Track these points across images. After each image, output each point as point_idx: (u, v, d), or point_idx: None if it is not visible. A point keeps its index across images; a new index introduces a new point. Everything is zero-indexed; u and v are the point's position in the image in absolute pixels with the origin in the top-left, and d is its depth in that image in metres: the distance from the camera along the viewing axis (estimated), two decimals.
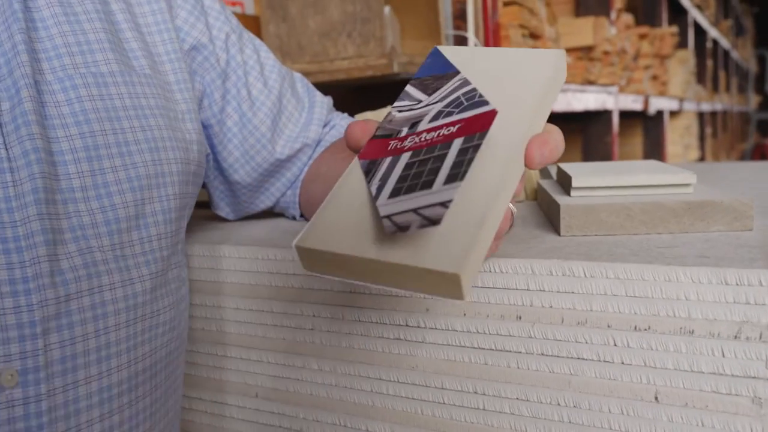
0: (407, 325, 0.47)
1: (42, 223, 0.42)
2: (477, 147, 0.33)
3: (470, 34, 1.30)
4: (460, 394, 0.46)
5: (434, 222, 0.30)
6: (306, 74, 1.14)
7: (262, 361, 0.54)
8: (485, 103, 0.36)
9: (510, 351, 0.44)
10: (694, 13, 4.20)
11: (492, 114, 0.35)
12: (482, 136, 0.34)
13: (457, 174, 0.32)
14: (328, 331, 0.50)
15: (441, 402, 0.46)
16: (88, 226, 0.44)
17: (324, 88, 0.89)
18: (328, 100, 0.65)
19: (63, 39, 0.46)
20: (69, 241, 0.43)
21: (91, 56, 0.47)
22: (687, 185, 0.51)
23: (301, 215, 0.65)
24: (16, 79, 0.43)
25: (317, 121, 0.62)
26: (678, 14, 3.82)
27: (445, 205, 0.31)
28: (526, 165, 0.36)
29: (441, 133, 0.35)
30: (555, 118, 2.11)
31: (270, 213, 0.69)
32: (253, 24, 1.24)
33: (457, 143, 0.34)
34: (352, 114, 0.72)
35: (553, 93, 0.39)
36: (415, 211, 0.31)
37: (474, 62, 0.40)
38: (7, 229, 0.41)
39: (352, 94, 1.36)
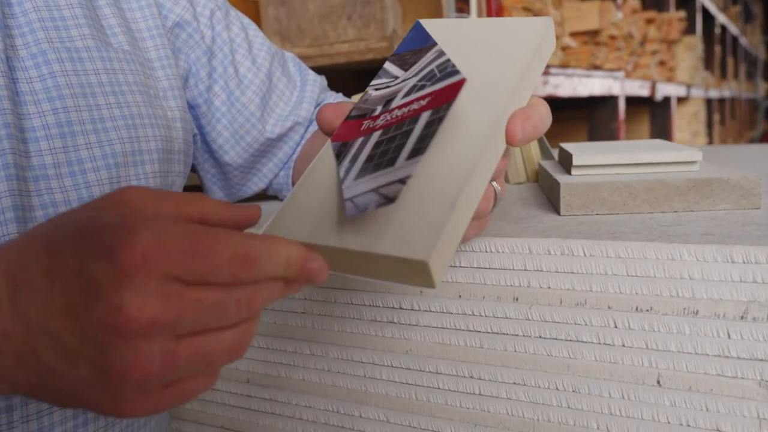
0: (401, 308, 0.45)
1: (13, 200, 0.40)
2: (442, 119, 0.31)
3: (473, 17, 1.28)
4: (455, 379, 0.44)
5: (390, 200, 0.28)
6: (306, 58, 1.12)
7: (253, 346, 0.52)
8: (456, 72, 0.34)
9: (507, 334, 0.42)
10: None
11: (460, 83, 0.33)
12: (448, 107, 0.32)
13: (420, 148, 0.30)
14: (319, 315, 0.49)
15: (436, 387, 0.45)
16: (60, 203, 0.43)
17: (324, 71, 0.87)
18: (321, 79, 0.64)
19: (37, 14, 0.45)
20: (40, 219, 0.42)
21: (66, 32, 0.45)
22: (692, 162, 0.49)
23: None
24: None
25: (309, 100, 0.61)
26: (686, 0, 3.78)
27: (402, 181, 0.29)
28: (507, 142, 0.34)
29: (411, 108, 0.33)
30: (560, 103, 2.08)
31: (263, 196, 0.68)
32: (252, 8, 1.23)
33: (425, 117, 0.32)
34: (351, 96, 0.71)
35: (540, 63, 0.37)
36: (375, 190, 0.29)
37: (458, 34, 0.38)
38: None
39: (353, 79, 1.34)
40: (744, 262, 0.36)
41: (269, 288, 0.28)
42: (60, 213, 0.29)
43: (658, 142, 0.58)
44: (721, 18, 5.08)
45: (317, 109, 0.63)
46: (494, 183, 0.37)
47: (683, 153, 0.49)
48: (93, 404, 0.27)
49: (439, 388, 0.45)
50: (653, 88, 2.65)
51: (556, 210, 0.49)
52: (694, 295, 0.37)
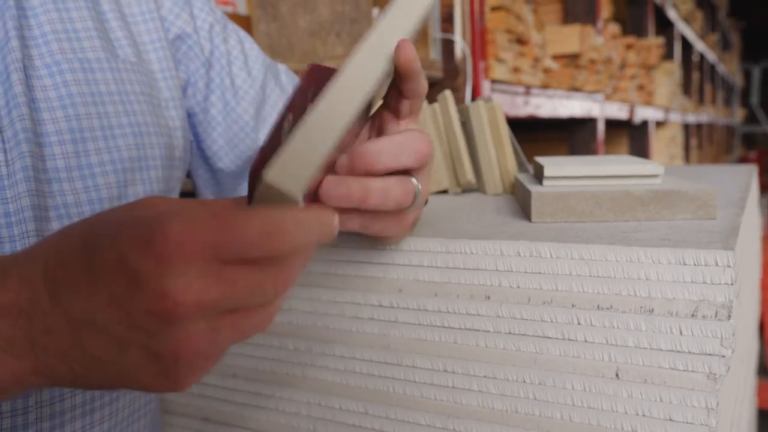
0: (380, 306, 0.48)
1: (31, 200, 0.43)
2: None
3: (457, 38, 1.32)
4: (430, 373, 0.47)
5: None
6: (295, 72, 1.15)
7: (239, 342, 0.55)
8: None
9: (479, 330, 0.45)
10: (681, 26, 4.25)
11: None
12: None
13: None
14: (304, 312, 0.51)
15: (412, 380, 0.48)
16: (71, 204, 0.45)
17: None
18: None
19: (51, 26, 0.47)
20: (53, 219, 0.45)
21: (78, 43, 0.48)
22: (655, 176, 0.53)
23: None
24: (7, 64, 0.44)
25: None
26: (665, 26, 3.87)
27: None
28: (396, 59, 0.35)
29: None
30: (541, 123, 2.13)
31: None
32: (244, 23, 1.26)
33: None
34: None
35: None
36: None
37: None
38: None
39: None
40: (695, 265, 0.39)
41: (304, 256, 0.29)
42: (93, 214, 0.31)
43: (625, 157, 0.62)
44: (699, 45, 5.21)
45: None
46: (414, 179, 0.38)
47: (646, 167, 0.53)
48: (143, 384, 0.29)
49: (415, 382, 0.48)
50: (632, 112, 2.71)
51: (528, 217, 0.52)
52: (650, 295, 0.40)
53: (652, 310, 0.40)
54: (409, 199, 0.38)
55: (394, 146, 0.36)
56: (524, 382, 0.44)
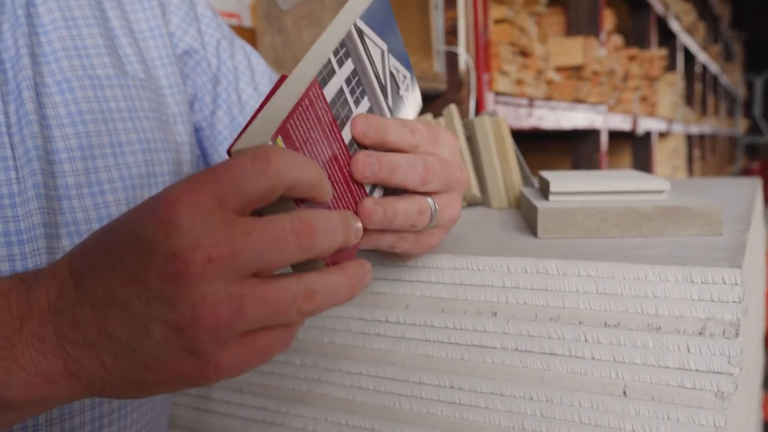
0: (387, 321, 0.48)
1: (42, 217, 0.43)
2: None
3: (461, 50, 1.33)
4: (437, 389, 0.47)
5: None
6: None
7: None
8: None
9: (485, 347, 0.45)
10: (684, 38, 4.27)
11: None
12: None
13: None
14: (311, 327, 0.52)
15: (419, 396, 0.48)
16: (81, 221, 0.46)
17: None
18: None
19: (62, 43, 0.48)
20: (63, 236, 0.45)
21: (88, 60, 0.49)
22: (660, 192, 0.53)
23: None
24: (18, 81, 0.45)
25: None
26: (667, 38, 3.88)
27: None
28: None
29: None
30: (544, 135, 2.14)
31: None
32: (249, 36, 1.27)
33: None
34: None
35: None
36: None
37: None
38: (9, 223, 0.42)
39: None
40: (702, 282, 0.39)
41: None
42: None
43: (631, 172, 0.62)
44: (702, 56, 5.22)
45: None
46: (430, 199, 0.38)
47: (652, 182, 0.53)
48: (176, 371, 0.28)
49: (422, 398, 0.48)
50: (635, 123, 2.72)
51: (534, 233, 0.52)
52: (657, 312, 0.40)
53: (660, 327, 0.40)
54: (424, 220, 0.37)
55: (407, 164, 0.36)
56: (531, 399, 0.44)
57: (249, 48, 0.63)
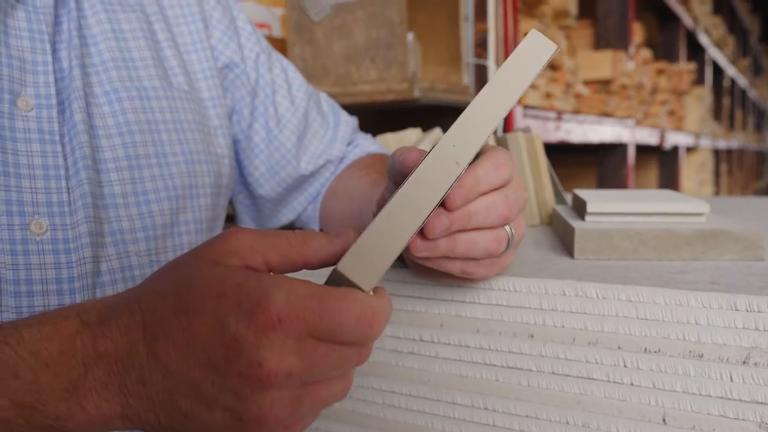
0: (421, 340, 0.48)
1: (89, 226, 0.44)
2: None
3: (491, 63, 1.33)
4: (470, 410, 0.47)
5: None
6: (329, 96, 1.16)
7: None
8: None
9: (521, 369, 0.45)
10: (713, 52, 4.22)
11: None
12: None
13: None
14: None
15: (452, 417, 0.47)
16: (126, 230, 0.46)
17: (347, 110, 0.91)
18: (353, 121, 0.67)
19: (110, 54, 0.49)
20: (109, 245, 0.45)
21: (135, 72, 0.49)
22: (700, 214, 0.52)
23: (321, 230, 0.66)
24: (69, 92, 0.46)
25: (341, 140, 0.64)
26: (696, 52, 3.85)
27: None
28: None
29: None
30: (572, 149, 2.13)
31: (291, 227, 0.71)
32: (279, 46, 1.28)
33: None
34: (373, 135, 0.74)
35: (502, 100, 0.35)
36: None
37: None
38: (58, 231, 0.43)
39: (374, 118, 1.38)
40: (747, 311, 0.39)
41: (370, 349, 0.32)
42: (178, 263, 0.31)
43: (668, 193, 0.61)
44: (730, 70, 5.16)
45: (365, 144, 0.66)
46: (507, 227, 0.39)
47: (692, 205, 0.52)
48: None
49: (454, 418, 0.47)
50: (662, 137, 2.69)
51: (570, 253, 0.52)
52: (699, 339, 0.40)
53: (702, 355, 0.40)
54: (501, 247, 0.38)
55: (484, 209, 0.36)
56: (567, 423, 0.43)
57: (286, 61, 0.64)
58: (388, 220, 0.32)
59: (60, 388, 0.29)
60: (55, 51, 0.46)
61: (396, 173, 0.37)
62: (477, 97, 0.35)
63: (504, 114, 0.35)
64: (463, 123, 0.34)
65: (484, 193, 0.37)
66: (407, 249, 0.36)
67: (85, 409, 0.30)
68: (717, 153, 4.61)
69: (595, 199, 0.55)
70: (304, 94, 0.63)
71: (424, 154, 0.36)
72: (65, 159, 0.44)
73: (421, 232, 0.35)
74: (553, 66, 1.60)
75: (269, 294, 0.28)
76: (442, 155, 0.34)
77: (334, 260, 0.32)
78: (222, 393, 0.28)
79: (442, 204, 0.36)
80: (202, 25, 0.56)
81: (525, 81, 0.35)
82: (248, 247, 0.31)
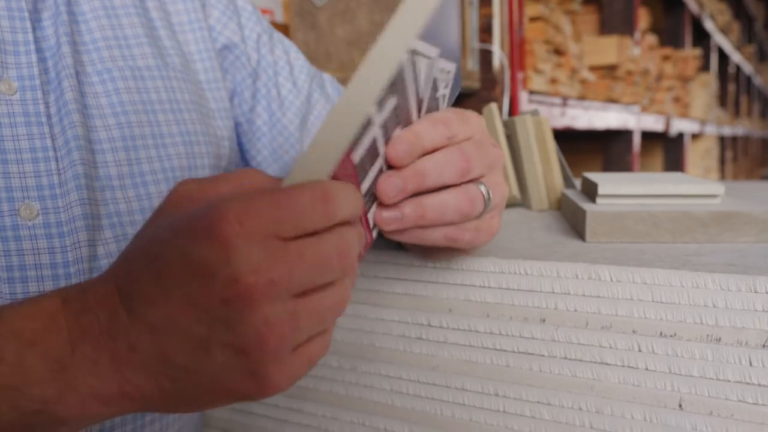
0: (429, 325, 0.47)
1: (83, 209, 0.43)
2: None
3: (495, 48, 1.31)
4: (480, 396, 0.46)
5: None
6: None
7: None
8: None
9: (533, 354, 0.44)
10: (718, 38, 4.19)
11: None
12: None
13: None
14: (349, 329, 0.50)
15: (461, 403, 0.46)
16: (124, 213, 0.45)
17: None
18: None
19: (102, 32, 0.47)
20: (105, 228, 0.44)
21: (128, 50, 0.48)
22: (714, 196, 0.51)
23: None
24: (58, 70, 0.44)
25: None
26: (702, 38, 3.82)
27: None
28: None
29: None
30: (575, 135, 2.11)
31: None
32: (282, 31, 1.26)
33: None
34: None
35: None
36: None
37: None
38: (50, 214, 0.42)
39: None
40: (767, 293, 0.37)
41: (356, 232, 0.29)
42: (141, 231, 0.30)
43: (679, 175, 0.60)
44: (735, 57, 5.12)
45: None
46: (482, 186, 0.37)
47: (706, 186, 0.51)
48: (234, 390, 0.28)
49: (464, 404, 0.46)
50: (668, 124, 2.67)
51: (581, 237, 0.50)
52: (717, 323, 0.39)
53: (720, 339, 0.39)
54: (476, 206, 0.36)
55: (437, 165, 0.35)
56: (580, 409, 0.42)
57: (288, 42, 0.62)
58: (294, 171, 0.30)
59: (47, 368, 0.28)
60: (36, 29, 0.44)
61: None
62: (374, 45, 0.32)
63: (398, 61, 0.31)
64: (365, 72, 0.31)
65: (430, 151, 0.35)
66: (380, 226, 0.35)
67: (76, 391, 0.28)
68: (722, 140, 4.58)
69: (606, 181, 0.54)
70: (306, 75, 0.62)
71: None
72: (53, 140, 0.43)
73: (381, 204, 0.34)
74: (558, 51, 1.58)
75: (221, 206, 0.26)
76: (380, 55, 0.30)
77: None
78: (213, 329, 0.26)
79: (389, 166, 0.35)
80: (199, 3, 0.54)
81: (415, 26, 0.31)
82: (196, 188, 0.30)
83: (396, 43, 0.32)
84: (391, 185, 0.34)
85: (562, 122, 1.60)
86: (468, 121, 0.38)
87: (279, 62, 0.60)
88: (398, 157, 0.34)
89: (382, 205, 0.35)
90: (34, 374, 0.28)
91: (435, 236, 0.37)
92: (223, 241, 0.26)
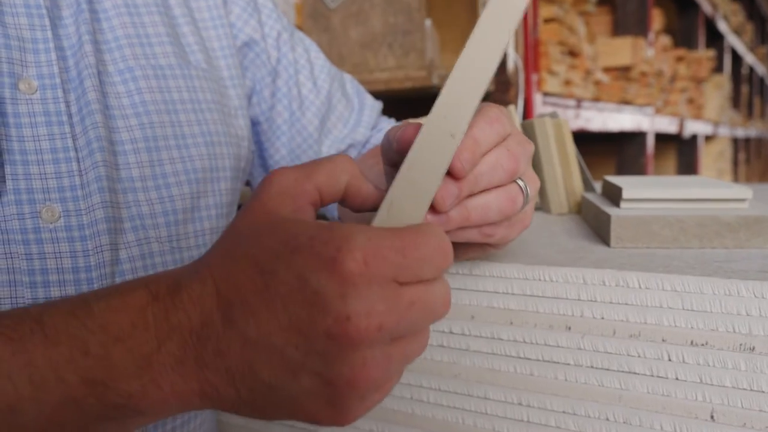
0: (451, 332, 0.46)
1: (105, 212, 0.42)
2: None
3: (510, 50, 1.30)
4: (503, 405, 0.45)
5: None
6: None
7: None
8: None
9: (558, 362, 0.43)
10: (731, 39, 4.15)
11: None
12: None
13: None
14: None
15: (484, 412, 0.45)
16: (146, 216, 0.44)
17: None
18: (378, 104, 0.65)
19: (124, 30, 0.47)
20: (128, 231, 0.43)
21: (150, 49, 0.47)
22: (742, 200, 0.50)
23: (338, 218, 0.64)
24: (80, 69, 0.43)
25: (366, 123, 0.62)
26: (715, 39, 3.78)
27: None
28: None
29: None
30: (589, 137, 2.09)
31: None
32: None
33: None
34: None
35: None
36: None
37: None
38: (72, 217, 0.41)
39: (391, 105, 1.36)
40: None
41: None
42: (238, 225, 0.29)
43: (703, 179, 0.59)
44: (749, 58, 5.08)
45: (383, 129, 0.63)
46: (520, 181, 0.36)
47: (733, 190, 0.50)
48: (309, 414, 0.28)
49: (486, 414, 0.45)
50: (681, 125, 2.65)
51: (605, 242, 0.49)
52: (751, 332, 0.37)
53: (753, 348, 0.37)
54: (517, 204, 0.36)
55: (489, 168, 0.34)
56: (607, 419, 0.41)
57: (308, 41, 0.62)
58: (390, 210, 0.30)
59: (133, 364, 0.27)
60: (56, 27, 0.44)
61: (393, 153, 0.34)
62: (459, 60, 0.32)
63: (491, 72, 0.32)
64: (450, 90, 0.31)
65: (485, 153, 0.34)
66: None
67: (160, 387, 0.28)
68: (736, 142, 4.54)
69: (630, 185, 0.53)
70: (326, 75, 0.61)
71: (419, 129, 0.33)
72: (74, 140, 0.42)
73: (431, 208, 0.33)
74: (572, 53, 1.57)
75: (350, 238, 0.25)
76: (436, 130, 0.31)
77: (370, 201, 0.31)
78: (308, 357, 0.26)
79: (447, 173, 0.34)
80: (220, 0, 0.54)
81: (506, 32, 0.32)
82: (293, 180, 0.29)
83: (486, 66, 0.32)
84: (449, 194, 0.32)
85: (576, 124, 1.58)
86: (503, 115, 0.37)
87: (300, 61, 0.60)
88: (464, 169, 0.32)
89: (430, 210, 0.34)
90: (121, 369, 0.27)
91: (471, 234, 0.36)
92: (346, 278, 0.25)
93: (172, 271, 0.29)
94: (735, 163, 4.64)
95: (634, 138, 2.17)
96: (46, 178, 0.41)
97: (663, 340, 0.40)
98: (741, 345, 0.38)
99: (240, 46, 0.55)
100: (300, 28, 1.25)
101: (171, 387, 0.28)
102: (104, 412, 0.28)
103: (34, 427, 0.27)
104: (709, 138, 3.56)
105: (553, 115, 0.70)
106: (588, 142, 2.35)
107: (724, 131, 3.76)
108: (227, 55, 0.53)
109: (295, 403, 0.27)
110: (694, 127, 2.90)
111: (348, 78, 0.65)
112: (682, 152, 3.01)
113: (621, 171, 2.22)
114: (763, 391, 0.37)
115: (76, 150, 0.42)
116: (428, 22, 1.16)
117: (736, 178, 4.66)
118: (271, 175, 0.29)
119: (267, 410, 0.28)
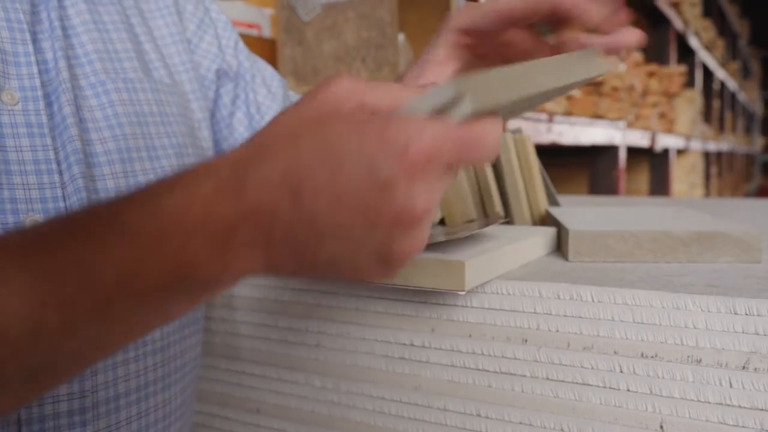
0: (412, 345, 0.47)
1: None
2: None
3: None
4: (462, 416, 0.45)
5: None
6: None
7: (265, 376, 0.54)
8: None
9: (515, 374, 0.44)
10: (702, 55, 4.24)
11: None
12: None
13: None
14: (332, 349, 0.50)
15: (443, 424, 0.46)
16: None
17: None
18: (284, 81, 0.67)
19: (93, 46, 0.47)
20: None
21: (119, 64, 0.48)
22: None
23: None
24: (56, 85, 0.44)
25: None
26: (686, 55, 3.86)
27: None
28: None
29: None
30: (561, 151, 2.12)
31: None
32: (269, 47, 1.26)
33: None
34: None
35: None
36: None
37: None
38: None
39: None
40: (746, 314, 0.38)
41: None
42: (302, 117, 0.30)
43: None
44: (720, 73, 5.18)
45: None
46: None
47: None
48: (363, 275, 0.31)
49: (446, 425, 0.46)
50: (653, 139, 2.69)
51: (564, 256, 0.50)
52: (697, 344, 0.39)
53: (700, 360, 0.39)
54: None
55: None
56: (562, 430, 0.42)
57: (252, 52, 0.64)
58: (529, 69, 0.33)
59: (208, 254, 0.29)
60: (35, 41, 0.44)
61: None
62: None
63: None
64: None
65: None
66: None
67: (232, 269, 0.30)
68: (707, 155, 4.62)
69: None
70: (278, 81, 0.63)
71: None
72: (56, 153, 0.43)
73: None
74: None
75: (419, 132, 0.27)
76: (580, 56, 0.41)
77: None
78: (373, 235, 0.29)
79: None
80: (177, 17, 0.55)
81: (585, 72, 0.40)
82: (349, 90, 0.30)
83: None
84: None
85: (548, 138, 1.61)
86: None
87: (253, 69, 0.61)
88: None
89: None
90: (198, 261, 0.29)
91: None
92: (413, 170, 0.27)
93: (229, 155, 0.30)
94: (707, 176, 4.72)
95: (607, 152, 2.20)
96: (29, 189, 0.41)
97: (615, 353, 0.41)
98: (689, 357, 0.39)
99: (199, 60, 0.57)
100: (274, 41, 1.26)
101: (241, 267, 0.30)
102: (181, 296, 0.30)
103: (121, 317, 0.29)
104: (681, 152, 3.62)
105: (516, 131, 0.71)
106: (560, 156, 2.38)
107: (696, 145, 3.83)
108: (188, 69, 0.54)
109: (353, 268, 0.30)
110: (665, 141, 2.95)
111: (278, 76, 0.66)
112: (654, 166, 3.06)
113: (593, 184, 2.25)
114: (709, 402, 0.38)
115: (57, 162, 0.42)
116: (401, 37, 1.17)
117: (708, 192, 4.74)
118: (329, 81, 0.31)
119: (323, 274, 0.31)
